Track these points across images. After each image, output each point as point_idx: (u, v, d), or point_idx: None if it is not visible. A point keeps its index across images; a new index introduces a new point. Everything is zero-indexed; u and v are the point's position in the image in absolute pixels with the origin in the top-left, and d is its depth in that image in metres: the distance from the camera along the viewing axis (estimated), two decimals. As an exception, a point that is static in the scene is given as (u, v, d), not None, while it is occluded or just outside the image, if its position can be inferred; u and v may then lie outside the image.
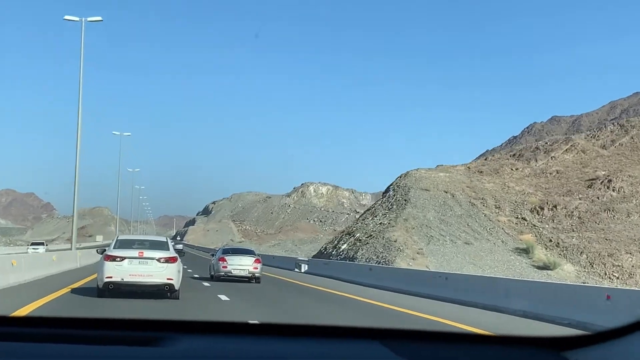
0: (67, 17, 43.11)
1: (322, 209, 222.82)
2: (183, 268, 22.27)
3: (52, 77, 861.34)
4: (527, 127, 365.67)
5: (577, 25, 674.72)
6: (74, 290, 21.38)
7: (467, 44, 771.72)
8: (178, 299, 18.71)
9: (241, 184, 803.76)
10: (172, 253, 19.21)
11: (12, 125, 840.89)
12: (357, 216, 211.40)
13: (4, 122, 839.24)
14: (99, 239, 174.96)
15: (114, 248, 19.06)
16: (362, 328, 2.48)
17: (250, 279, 29.39)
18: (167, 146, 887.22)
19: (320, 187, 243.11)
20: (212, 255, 37.40)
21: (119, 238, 20.47)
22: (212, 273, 31.03)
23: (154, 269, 18.32)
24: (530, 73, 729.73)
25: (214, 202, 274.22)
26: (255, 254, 31.28)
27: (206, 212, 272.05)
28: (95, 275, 20.98)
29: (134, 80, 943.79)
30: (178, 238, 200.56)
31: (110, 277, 18.18)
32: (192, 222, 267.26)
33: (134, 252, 18.57)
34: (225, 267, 29.67)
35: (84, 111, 44.98)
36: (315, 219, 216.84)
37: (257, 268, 29.67)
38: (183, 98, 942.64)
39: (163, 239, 21.31)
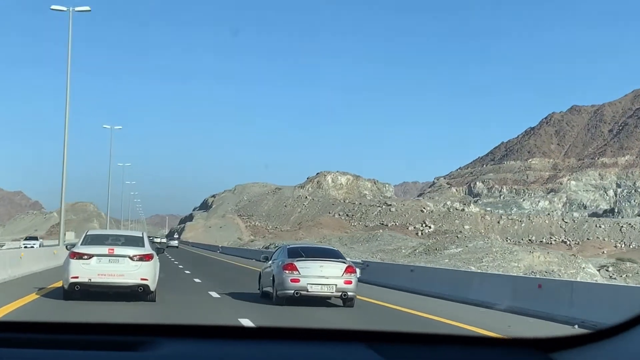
0: (54, 6, 43.19)
1: (347, 201, 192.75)
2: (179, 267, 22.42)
3: (39, 74, 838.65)
4: (546, 118, 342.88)
5: (598, 6, 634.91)
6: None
7: (479, 28, 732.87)
8: (154, 301, 17.16)
9: (243, 174, 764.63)
10: (147, 250, 17.41)
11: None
12: (393, 209, 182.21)
13: None
14: (69, 237, 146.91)
15: (82, 244, 17.35)
16: (351, 330, 2.50)
17: (343, 300, 18.35)
18: (158, 140, 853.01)
19: (339, 177, 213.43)
20: (267, 259, 21.19)
21: (88, 233, 18.90)
22: (272, 290, 18.79)
23: (125, 267, 16.72)
24: (547, 59, 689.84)
25: (213, 196, 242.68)
26: (344, 258, 19.79)
27: (205, 206, 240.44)
28: None
29: (121, 72, 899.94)
30: (176, 235, 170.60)
31: (77, 277, 16.55)
32: (189, 218, 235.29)
33: (104, 249, 16.97)
34: (297, 280, 17.99)
35: (72, 106, 45.05)
36: (341, 213, 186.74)
37: (350, 282, 18.33)
38: (175, 85, 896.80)
39: (139, 234, 19.43)
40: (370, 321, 16.44)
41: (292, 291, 18.00)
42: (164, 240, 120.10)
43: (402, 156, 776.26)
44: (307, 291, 17.97)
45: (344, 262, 19.03)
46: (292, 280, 18.00)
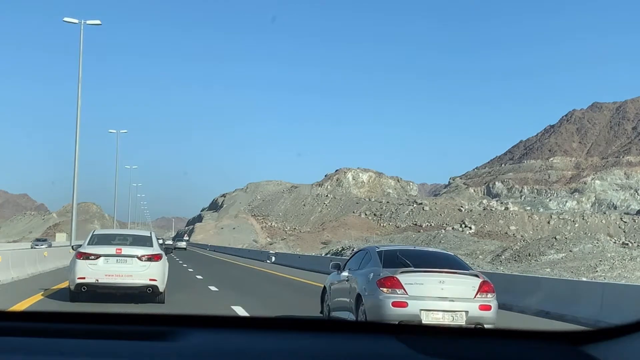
0: (66, 19, 44.14)
1: (375, 199, 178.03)
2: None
3: (47, 77, 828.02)
4: (566, 115, 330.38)
5: (619, 4, 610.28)
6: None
7: (500, 30, 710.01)
8: (163, 302, 16.81)
9: (254, 173, 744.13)
10: (156, 250, 17.02)
11: (4, 125, 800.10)
12: (426, 208, 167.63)
13: None
14: (60, 238, 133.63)
15: (89, 244, 17.00)
16: (381, 323, 2.51)
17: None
18: (163, 143, 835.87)
19: (361, 174, 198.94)
20: (338, 269, 14.63)
21: (95, 232, 18.61)
22: (355, 316, 12.83)
23: (134, 268, 16.39)
24: (568, 57, 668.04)
25: (224, 195, 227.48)
26: (471, 268, 13.57)
27: (215, 206, 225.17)
28: None
29: (130, 76, 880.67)
30: (186, 237, 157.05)
31: (83, 278, 16.20)
32: (198, 218, 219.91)
33: (111, 249, 16.61)
34: (403, 304, 12.00)
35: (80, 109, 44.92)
36: (367, 212, 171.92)
37: (489, 307, 12.16)
38: (182, 82, 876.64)
39: (147, 233, 19.03)
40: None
41: (396, 322, 11.04)
42: (170, 241, 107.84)
43: (411, 156, 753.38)
44: (420, 322, 11.69)
45: (476, 276, 12.59)
46: (394, 305, 11.92)
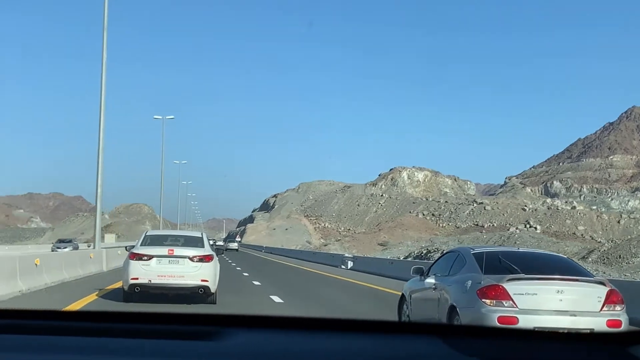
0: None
1: (432, 199, 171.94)
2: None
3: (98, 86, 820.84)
4: (626, 112, 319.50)
5: None
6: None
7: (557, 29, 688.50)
8: (215, 303, 16.83)
9: (305, 173, 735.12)
10: (207, 251, 17.06)
11: (59, 131, 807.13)
12: (488, 207, 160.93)
13: (53, 128, 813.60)
14: (109, 239, 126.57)
15: (142, 245, 17.22)
16: (425, 324, 2.50)
17: None
18: (212, 143, 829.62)
19: (416, 173, 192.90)
20: (420, 273, 12.60)
21: (147, 233, 18.69)
22: None
23: (186, 268, 16.55)
24: (626, 52, 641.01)
25: (275, 196, 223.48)
26: (591, 274, 11.49)
27: (266, 207, 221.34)
28: None
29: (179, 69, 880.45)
30: (238, 238, 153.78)
31: (136, 279, 16.39)
32: (249, 219, 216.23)
33: (164, 250, 16.81)
34: (513, 319, 9.87)
35: (127, 102, 26.82)
36: (425, 212, 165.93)
37: (619, 322, 9.90)
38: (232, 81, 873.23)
39: (198, 234, 18.92)
40: None
41: None
42: (221, 242, 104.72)
43: (464, 155, 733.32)
44: None
45: (602, 284, 10.42)
46: (501, 320, 9.79)
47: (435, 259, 14.00)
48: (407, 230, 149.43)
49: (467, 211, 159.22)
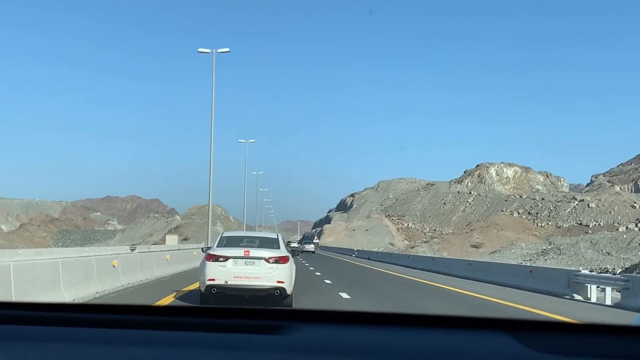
0: (201, 49, 47.28)
1: (526, 197, 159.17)
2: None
3: (179, 101, 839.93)
4: None
5: None
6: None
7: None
8: (291, 305, 16.35)
9: (382, 171, 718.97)
10: (283, 252, 17.13)
11: (139, 139, 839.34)
12: (592, 204, 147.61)
13: (134, 135, 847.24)
14: (170, 241, 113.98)
15: (218, 246, 17.42)
16: (493, 319, 2.47)
17: None
18: (289, 144, 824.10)
19: (505, 169, 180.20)
20: None
21: (223, 235, 18.77)
22: None
23: (262, 270, 16.63)
24: None
25: (352, 195, 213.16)
26: None
27: (343, 207, 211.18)
28: None
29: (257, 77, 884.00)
30: (316, 240, 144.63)
31: (213, 280, 16.59)
32: (325, 220, 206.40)
33: (240, 251, 16.88)
34: None
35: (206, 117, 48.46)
36: (520, 211, 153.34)
37: None
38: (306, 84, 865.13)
39: (274, 235, 18.93)
40: None
41: None
42: (295, 244, 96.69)
43: (550, 152, 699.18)
44: None
45: None
46: None
47: None
48: (503, 231, 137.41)
49: (569, 209, 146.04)
